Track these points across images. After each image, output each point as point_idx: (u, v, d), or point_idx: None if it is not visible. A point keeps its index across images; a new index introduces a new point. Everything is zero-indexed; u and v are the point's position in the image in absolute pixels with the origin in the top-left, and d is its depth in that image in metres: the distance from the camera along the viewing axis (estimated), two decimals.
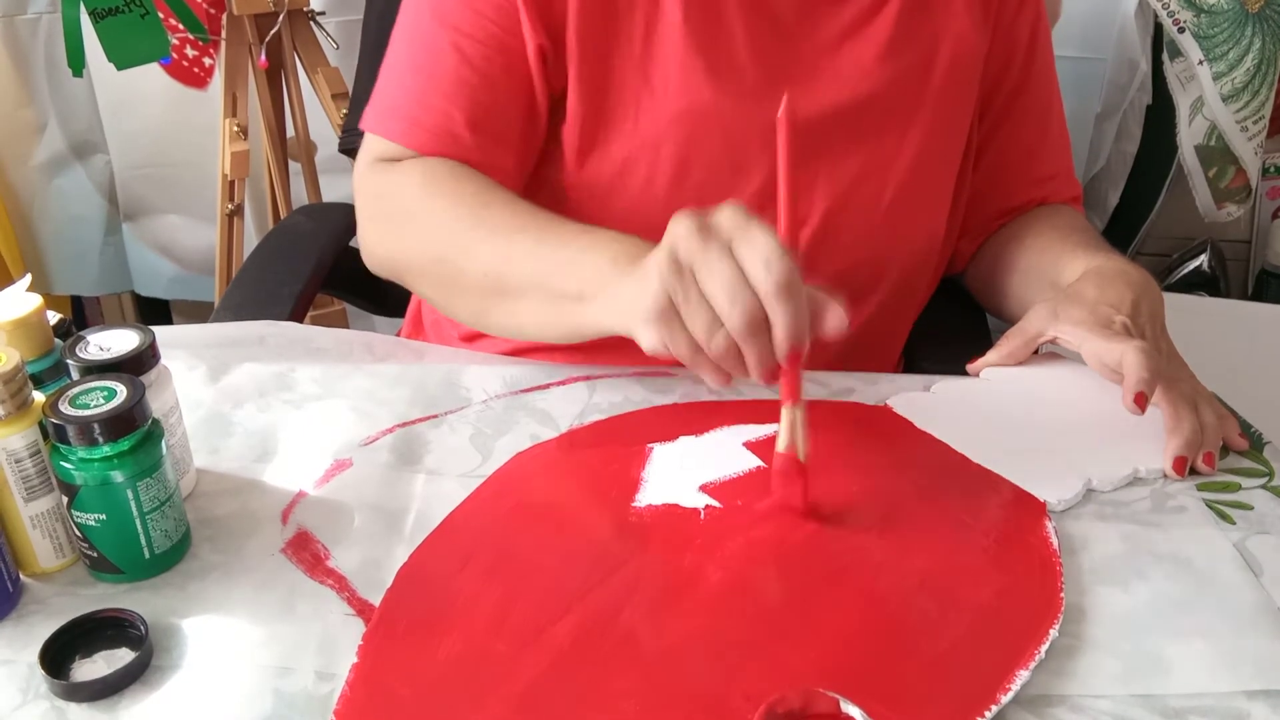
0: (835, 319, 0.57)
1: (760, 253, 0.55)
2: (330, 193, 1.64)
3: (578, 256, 0.67)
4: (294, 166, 1.61)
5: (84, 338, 0.60)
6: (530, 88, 0.79)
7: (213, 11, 1.61)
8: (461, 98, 0.77)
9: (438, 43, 0.78)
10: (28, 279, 0.65)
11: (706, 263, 0.56)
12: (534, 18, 0.77)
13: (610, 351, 0.84)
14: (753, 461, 0.66)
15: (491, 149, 0.78)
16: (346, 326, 1.56)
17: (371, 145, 0.81)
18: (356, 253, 0.94)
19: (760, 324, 0.56)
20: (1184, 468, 0.66)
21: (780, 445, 0.61)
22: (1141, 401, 0.65)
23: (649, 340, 0.59)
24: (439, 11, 0.79)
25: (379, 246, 0.81)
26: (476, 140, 0.77)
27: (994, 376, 0.76)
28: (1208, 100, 1.52)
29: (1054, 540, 0.60)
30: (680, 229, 0.58)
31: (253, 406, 0.71)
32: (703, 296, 0.56)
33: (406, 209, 0.77)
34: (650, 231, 0.79)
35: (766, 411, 0.72)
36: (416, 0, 0.81)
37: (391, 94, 0.81)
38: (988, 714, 0.49)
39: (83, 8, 1.41)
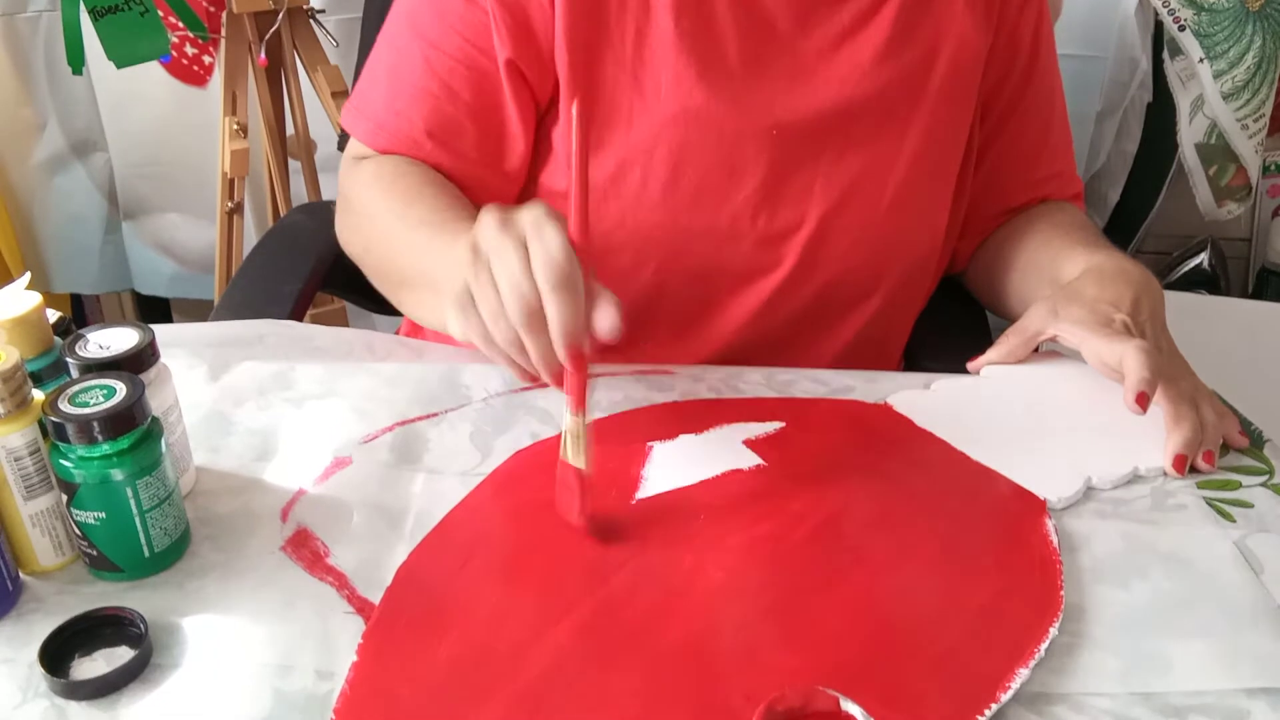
0: (606, 319, 0.57)
1: (545, 248, 0.57)
2: (330, 191, 1.63)
3: (447, 250, 0.68)
4: (294, 165, 1.61)
5: (83, 336, 0.60)
6: (502, 102, 0.80)
7: (212, 9, 1.61)
8: (424, 107, 0.80)
9: (410, 52, 0.81)
10: (27, 277, 0.65)
11: (499, 253, 0.58)
12: (507, 33, 0.77)
13: (610, 351, 0.84)
14: (753, 460, 0.66)
15: (452, 158, 0.80)
16: (346, 325, 1.56)
17: (350, 144, 0.85)
18: None
19: (537, 317, 0.57)
20: (1184, 466, 0.66)
21: (563, 453, 0.59)
22: (1143, 401, 0.65)
23: (453, 327, 0.60)
24: (415, 22, 0.81)
25: (340, 237, 0.86)
26: (435, 148, 0.80)
27: (994, 375, 0.76)
28: (1208, 98, 1.52)
29: (1054, 538, 0.60)
30: (485, 220, 0.60)
31: (253, 405, 0.71)
32: (493, 286, 0.58)
33: (355, 203, 0.82)
34: (646, 235, 0.79)
35: (767, 410, 0.72)
36: (400, 7, 0.83)
37: (366, 96, 0.84)
38: (988, 713, 0.49)
39: (82, 6, 1.40)
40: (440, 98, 0.80)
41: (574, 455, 0.59)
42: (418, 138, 0.80)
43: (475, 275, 0.59)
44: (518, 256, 0.57)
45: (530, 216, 0.58)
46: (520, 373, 0.61)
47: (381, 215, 0.78)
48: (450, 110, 0.80)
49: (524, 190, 0.85)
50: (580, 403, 0.59)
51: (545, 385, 0.70)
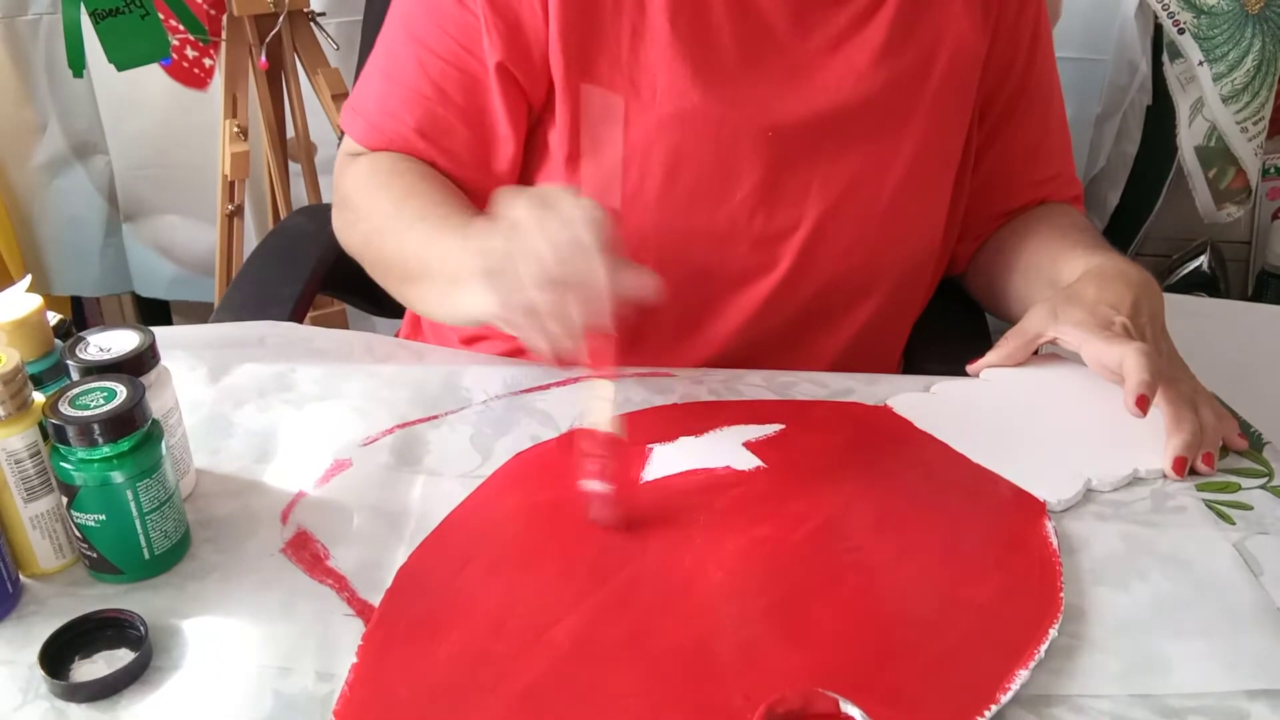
0: (648, 278, 0.61)
1: (568, 219, 0.59)
2: (330, 193, 1.64)
3: (458, 245, 0.70)
4: (294, 167, 1.61)
5: (84, 338, 0.60)
6: (491, 105, 0.80)
7: (213, 12, 1.61)
8: (416, 108, 0.81)
9: (404, 53, 0.82)
10: (28, 279, 0.65)
11: (538, 220, 0.60)
12: (498, 36, 0.78)
13: None
14: (753, 461, 0.66)
15: (443, 157, 0.82)
16: (346, 327, 1.56)
17: (344, 141, 0.87)
18: None
19: (579, 277, 0.59)
20: (1184, 468, 0.66)
21: (591, 422, 0.62)
22: (1143, 404, 0.65)
23: (479, 300, 0.62)
24: (409, 24, 0.82)
25: (338, 234, 0.86)
26: (426, 147, 0.81)
27: (994, 377, 0.76)
28: (1208, 101, 1.52)
29: (1053, 540, 0.60)
30: (514, 197, 0.62)
31: (253, 407, 0.71)
32: (528, 256, 0.60)
33: (351, 199, 0.83)
34: (642, 236, 0.80)
35: (767, 412, 0.72)
36: (395, 11, 0.84)
37: (361, 96, 0.86)
38: (987, 714, 0.49)
39: (83, 8, 1.41)
40: (432, 99, 0.80)
41: (610, 422, 0.61)
42: (409, 137, 0.81)
43: (499, 246, 0.61)
44: (538, 229, 0.59)
45: (552, 191, 0.61)
46: (545, 353, 0.62)
47: (379, 210, 0.79)
48: (441, 112, 0.81)
49: None
50: (611, 370, 0.62)
51: (547, 386, 0.70)
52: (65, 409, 0.54)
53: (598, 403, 0.62)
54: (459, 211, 0.75)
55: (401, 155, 0.82)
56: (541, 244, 0.59)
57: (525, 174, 0.84)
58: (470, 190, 0.82)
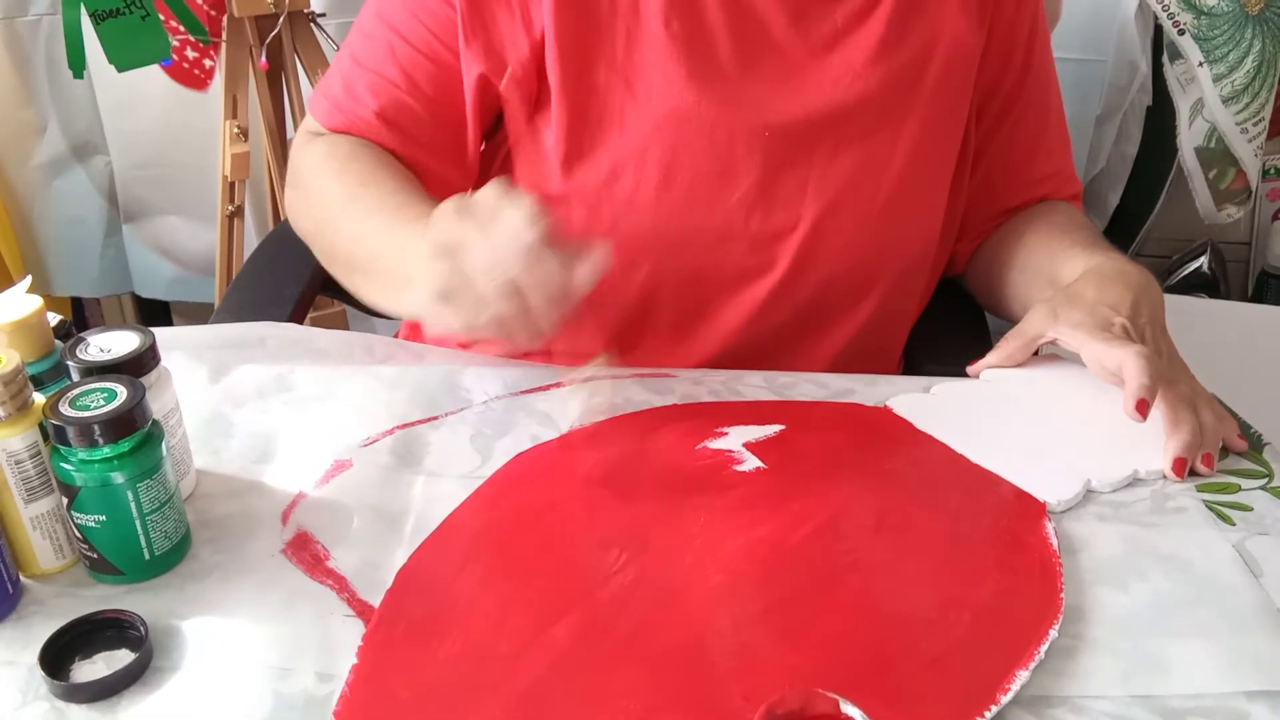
0: (584, 271, 0.60)
1: (507, 227, 0.59)
2: None
3: (408, 242, 0.69)
4: None
5: (84, 339, 0.60)
6: (461, 99, 0.81)
7: (213, 13, 1.61)
8: (382, 92, 0.81)
9: (376, 38, 0.82)
10: (28, 280, 0.65)
11: (464, 244, 0.60)
12: (480, 47, 0.78)
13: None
14: (754, 462, 0.66)
15: (404, 143, 0.82)
16: (346, 328, 1.56)
17: (305, 119, 0.88)
18: None
19: (518, 296, 0.59)
20: (1183, 469, 0.66)
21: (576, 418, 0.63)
22: (1143, 409, 0.65)
23: (436, 323, 0.62)
24: (384, 10, 0.83)
25: (289, 212, 0.86)
26: (388, 132, 0.81)
27: (994, 378, 0.76)
28: (1208, 102, 1.52)
29: (1053, 541, 0.60)
30: (443, 213, 0.62)
31: (253, 408, 0.71)
32: (466, 276, 0.60)
33: (305, 179, 0.83)
34: (639, 238, 0.80)
35: (767, 413, 0.72)
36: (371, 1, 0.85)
37: (330, 78, 0.86)
38: (987, 714, 0.49)
39: (83, 9, 1.41)
40: (400, 86, 0.81)
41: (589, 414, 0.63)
42: (371, 121, 0.81)
43: (447, 269, 0.60)
44: (484, 244, 0.59)
45: (486, 200, 0.60)
46: (509, 345, 0.63)
47: (334, 197, 0.79)
48: (408, 100, 0.81)
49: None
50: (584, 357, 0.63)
51: (547, 387, 0.70)
52: (65, 410, 0.54)
53: (574, 400, 0.64)
54: (414, 203, 0.74)
55: (360, 140, 0.81)
56: (488, 258, 0.59)
57: (524, 178, 0.84)
58: (428, 178, 0.81)
